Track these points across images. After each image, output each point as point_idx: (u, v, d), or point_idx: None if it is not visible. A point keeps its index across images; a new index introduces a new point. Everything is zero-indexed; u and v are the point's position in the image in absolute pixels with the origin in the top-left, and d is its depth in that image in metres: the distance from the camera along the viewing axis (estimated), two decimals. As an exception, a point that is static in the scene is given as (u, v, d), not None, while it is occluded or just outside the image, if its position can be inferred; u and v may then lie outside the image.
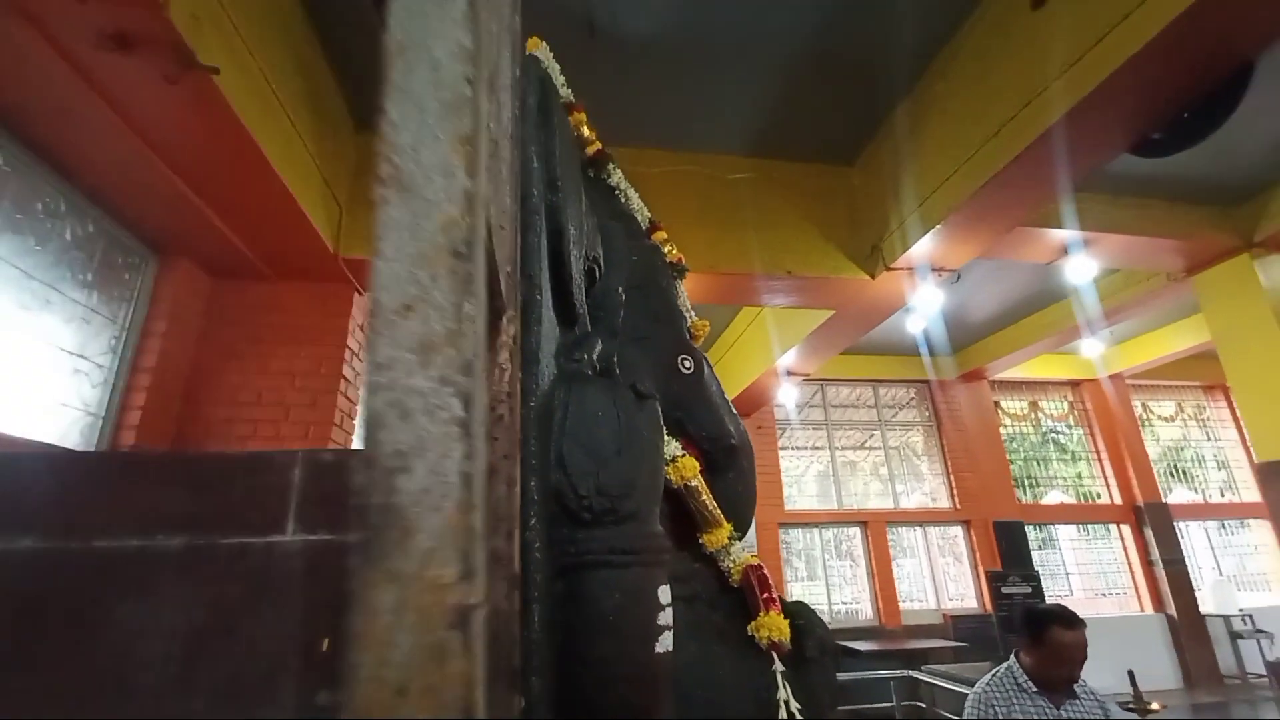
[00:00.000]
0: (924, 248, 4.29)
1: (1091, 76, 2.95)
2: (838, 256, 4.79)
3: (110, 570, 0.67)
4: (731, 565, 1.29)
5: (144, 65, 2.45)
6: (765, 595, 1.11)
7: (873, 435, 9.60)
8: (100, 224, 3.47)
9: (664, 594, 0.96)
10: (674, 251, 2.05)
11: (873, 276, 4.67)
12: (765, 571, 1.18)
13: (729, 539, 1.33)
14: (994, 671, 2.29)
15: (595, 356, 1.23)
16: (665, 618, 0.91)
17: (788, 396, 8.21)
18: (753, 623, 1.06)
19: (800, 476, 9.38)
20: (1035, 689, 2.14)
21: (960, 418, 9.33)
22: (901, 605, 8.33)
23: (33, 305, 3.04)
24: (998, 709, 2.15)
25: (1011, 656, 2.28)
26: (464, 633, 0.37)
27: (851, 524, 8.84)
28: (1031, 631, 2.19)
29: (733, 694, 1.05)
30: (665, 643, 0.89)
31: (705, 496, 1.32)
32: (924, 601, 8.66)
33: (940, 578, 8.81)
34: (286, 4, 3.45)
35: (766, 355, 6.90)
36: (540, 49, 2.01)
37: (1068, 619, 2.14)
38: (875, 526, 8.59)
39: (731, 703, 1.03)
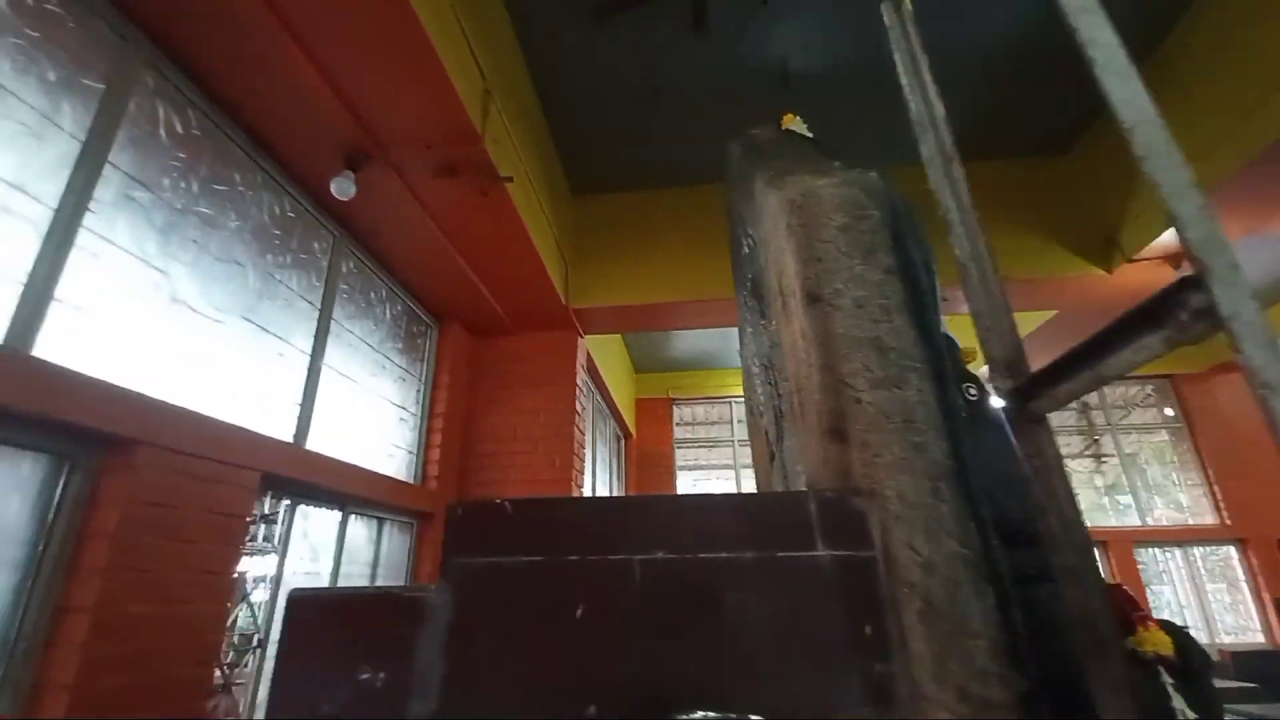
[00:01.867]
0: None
1: None
2: (1059, 253, 4.45)
3: (715, 572, 1.02)
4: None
5: (463, 185, 3.19)
6: (1138, 613, 1.21)
7: (1095, 442, 8.46)
8: (405, 304, 4.46)
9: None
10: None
11: (1109, 271, 4.27)
12: (1129, 590, 1.27)
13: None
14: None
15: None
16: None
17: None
18: (1133, 637, 1.17)
19: (1010, 490, 8.51)
20: None
21: (1219, 416, 7.87)
22: (1160, 638, 7.14)
23: (378, 371, 4.01)
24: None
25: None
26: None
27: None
28: None
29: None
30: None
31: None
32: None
33: (1211, 607, 7.43)
34: (530, 101, 4.18)
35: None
36: (795, 122, 2.31)
37: None
38: (1119, 547, 7.52)
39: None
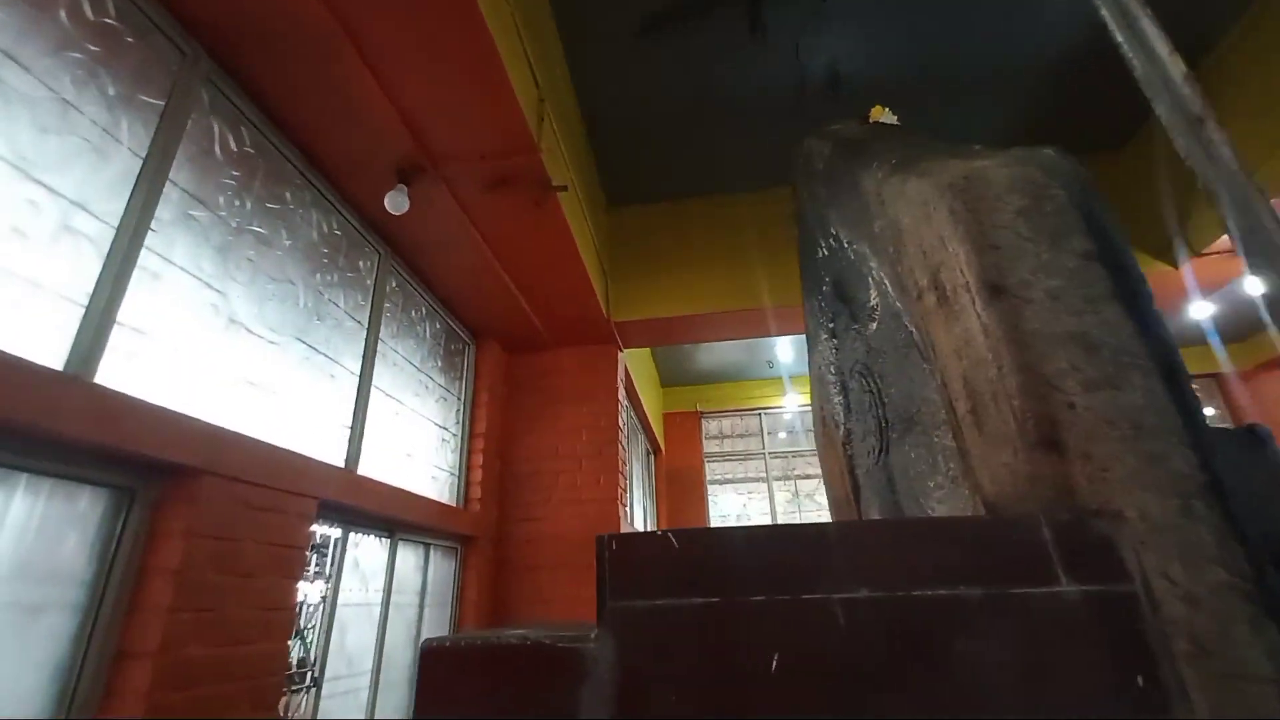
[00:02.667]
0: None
1: None
2: (1120, 252, 4.27)
3: (935, 614, 0.86)
4: None
5: (515, 196, 3.09)
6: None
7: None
8: (444, 321, 4.35)
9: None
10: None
11: (1175, 266, 4.10)
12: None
13: None
14: None
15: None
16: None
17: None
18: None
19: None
20: None
21: (1268, 416, 7.58)
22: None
23: (421, 391, 3.90)
24: None
25: None
26: None
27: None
28: None
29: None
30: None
31: None
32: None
33: None
34: (572, 111, 4.11)
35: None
36: (884, 114, 2.19)
37: None
38: None
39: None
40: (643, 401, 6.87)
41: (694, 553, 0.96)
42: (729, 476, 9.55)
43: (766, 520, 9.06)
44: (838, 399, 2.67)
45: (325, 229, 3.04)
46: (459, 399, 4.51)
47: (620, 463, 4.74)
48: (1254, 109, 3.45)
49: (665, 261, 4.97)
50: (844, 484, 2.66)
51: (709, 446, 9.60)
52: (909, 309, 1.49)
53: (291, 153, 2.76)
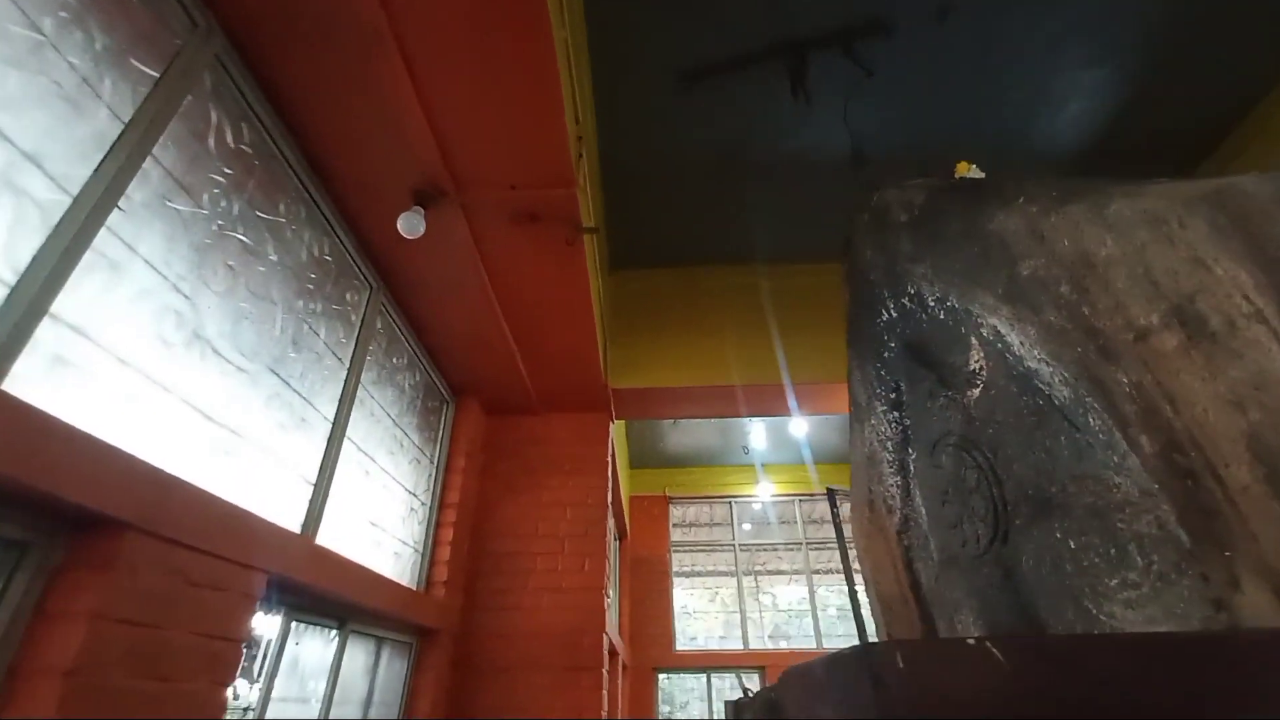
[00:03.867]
0: None
1: None
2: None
3: None
4: None
5: (541, 235, 2.81)
6: None
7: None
8: (426, 373, 3.89)
9: None
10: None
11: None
12: None
13: None
14: None
15: None
16: None
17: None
18: None
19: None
20: None
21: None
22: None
23: (395, 450, 3.36)
24: None
25: None
26: None
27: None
28: None
29: None
30: None
31: None
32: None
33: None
34: (595, 161, 3.95)
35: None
36: (971, 170, 2.08)
37: None
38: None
39: None
40: (618, 481, 6.39)
41: (1031, 670, 0.60)
42: (695, 568, 8.93)
43: (724, 618, 8.39)
44: (893, 479, 2.36)
45: (317, 250, 2.64)
46: (432, 463, 3.95)
47: (606, 546, 4.22)
48: None
49: (669, 330, 4.74)
50: (898, 579, 2.30)
51: (676, 534, 9.03)
52: (1097, 360, 1.24)
53: (295, 158, 2.41)
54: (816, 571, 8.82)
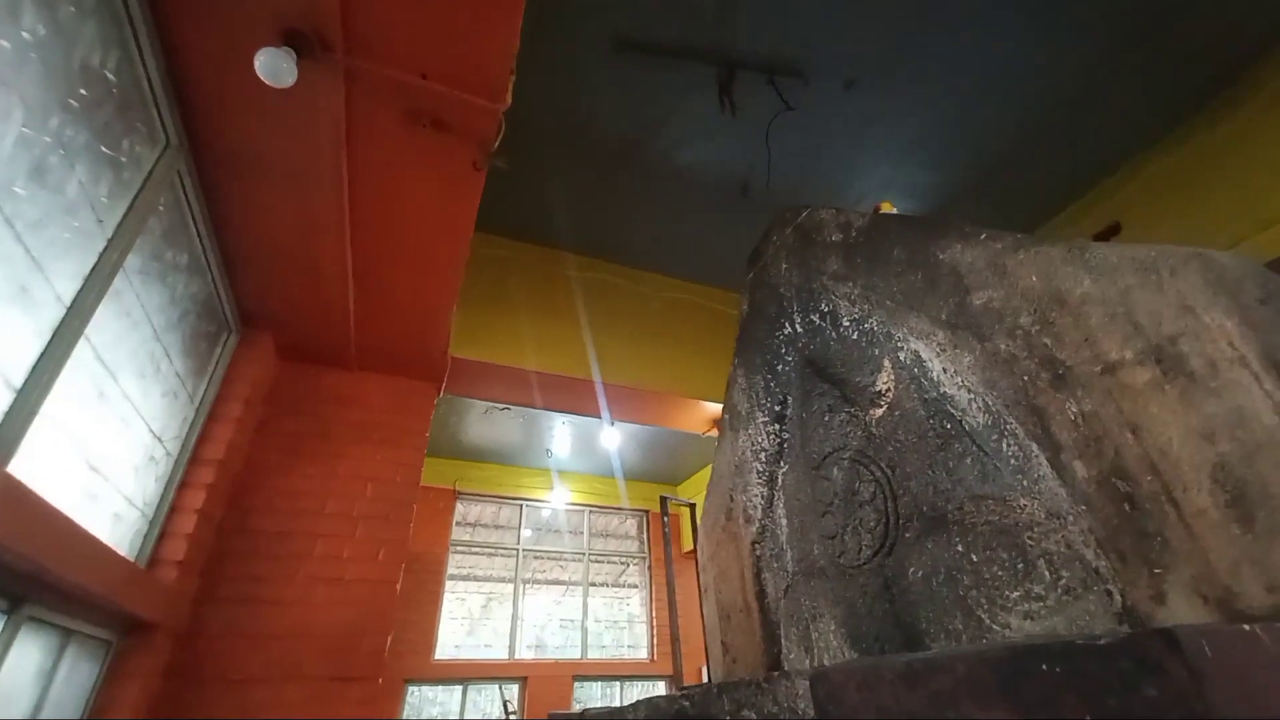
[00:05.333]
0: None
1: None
2: None
3: None
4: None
5: (444, 150, 2.31)
6: None
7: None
8: (211, 285, 2.94)
9: None
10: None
11: None
12: None
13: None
14: None
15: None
16: None
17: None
18: None
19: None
20: None
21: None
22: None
23: (148, 373, 2.42)
24: None
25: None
26: None
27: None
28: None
29: None
30: None
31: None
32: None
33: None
34: None
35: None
36: (891, 208, 2.23)
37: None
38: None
39: None
40: (417, 464, 5.66)
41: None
42: (473, 572, 8.33)
43: (493, 625, 7.97)
44: (759, 490, 2.40)
45: (99, 60, 1.80)
46: (193, 403, 2.98)
47: (409, 533, 3.61)
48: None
49: (520, 308, 4.36)
50: (743, 588, 2.33)
51: (458, 533, 8.34)
52: (1046, 388, 1.33)
53: (106, -91, 1.61)
54: (593, 584, 8.88)
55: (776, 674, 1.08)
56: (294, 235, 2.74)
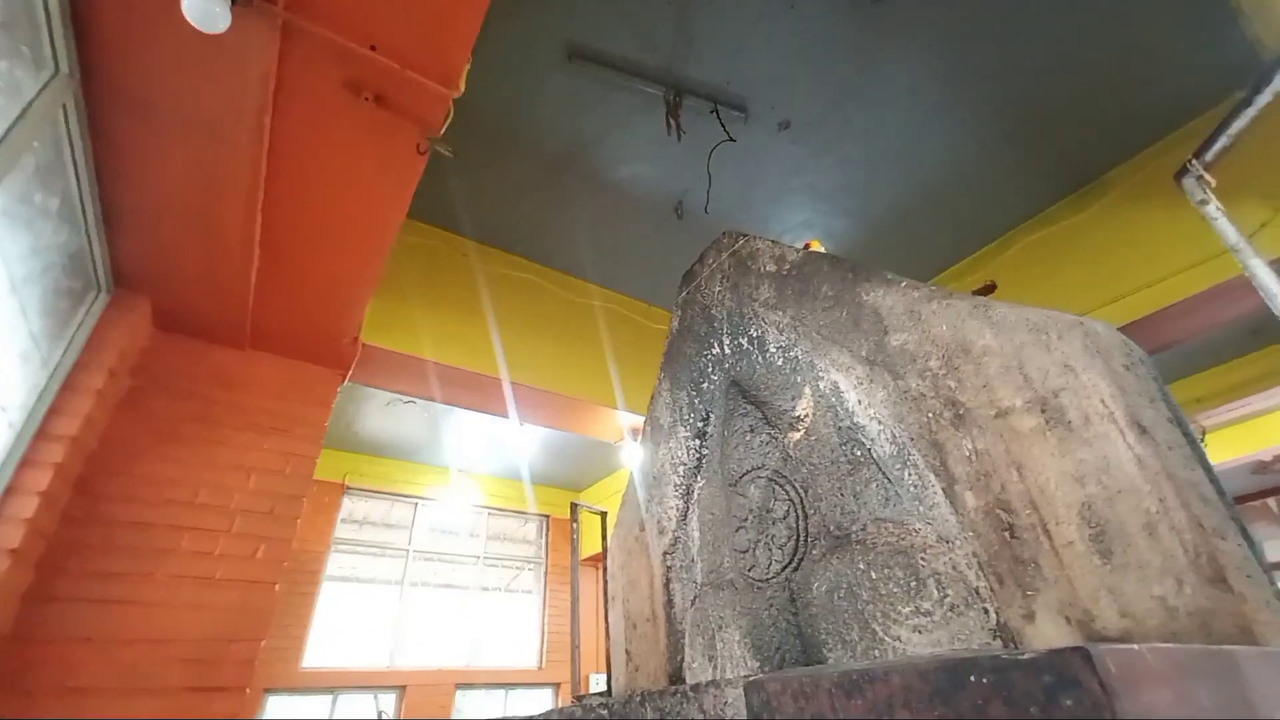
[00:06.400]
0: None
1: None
2: None
3: None
4: None
5: (383, 127, 2.18)
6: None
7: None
8: (85, 237, 2.58)
9: None
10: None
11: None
12: None
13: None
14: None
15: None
16: None
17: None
18: None
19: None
20: None
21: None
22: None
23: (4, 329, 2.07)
24: None
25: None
26: None
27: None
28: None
29: None
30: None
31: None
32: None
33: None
34: None
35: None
36: (819, 246, 2.40)
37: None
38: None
39: None
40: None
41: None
42: (355, 573, 7.78)
43: (373, 631, 7.51)
44: (675, 502, 2.49)
45: (-18, -36, 1.54)
46: (46, 369, 2.58)
47: (295, 531, 3.33)
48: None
49: (441, 302, 4.18)
50: (651, 598, 2.40)
51: (343, 530, 7.78)
52: (947, 426, 1.50)
53: None
54: (485, 589, 8.62)
55: (704, 683, 1.13)
56: (193, 193, 2.47)
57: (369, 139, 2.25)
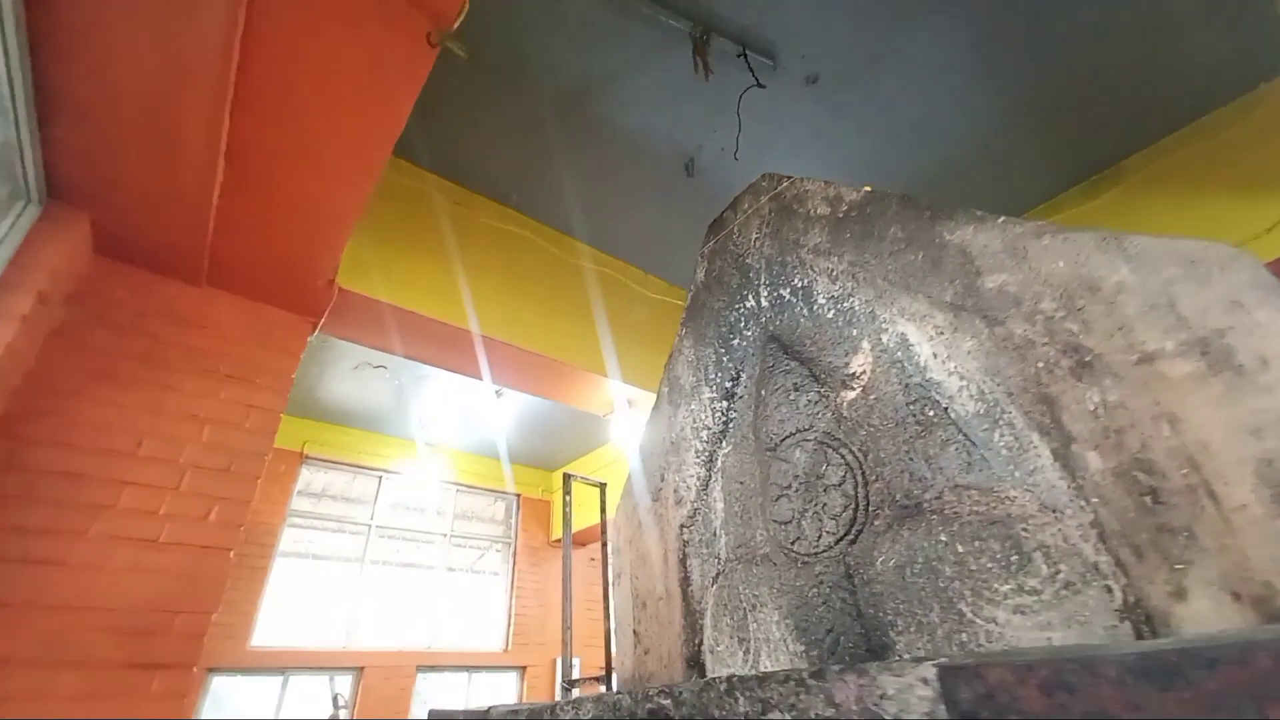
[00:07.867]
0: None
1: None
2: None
3: None
4: None
5: (387, 16, 1.84)
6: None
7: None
8: (18, 140, 2.15)
9: None
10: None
11: None
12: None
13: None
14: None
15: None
16: None
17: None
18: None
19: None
20: None
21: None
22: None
23: (-113, 220, 1.65)
24: None
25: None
26: None
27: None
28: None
29: None
30: None
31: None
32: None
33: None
34: None
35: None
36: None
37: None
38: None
39: None
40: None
41: None
42: (311, 548, 7.32)
43: (329, 609, 7.10)
44: (695, 470, 2.25)
45: None
46: (-44, 284, 2.15)
47: (255, 492, 2.96)
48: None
49: (426, 249, 3.81)
50: (665, 575, 2.17)
51: (300, 503, 7.30)
52: (1064, 376, 1.28)
53: None
54: (451, 569, 8.27)
55: (831, 668, 0.87)
56: (148, 82, 2.07)
57: (368, 27, 1.90)
